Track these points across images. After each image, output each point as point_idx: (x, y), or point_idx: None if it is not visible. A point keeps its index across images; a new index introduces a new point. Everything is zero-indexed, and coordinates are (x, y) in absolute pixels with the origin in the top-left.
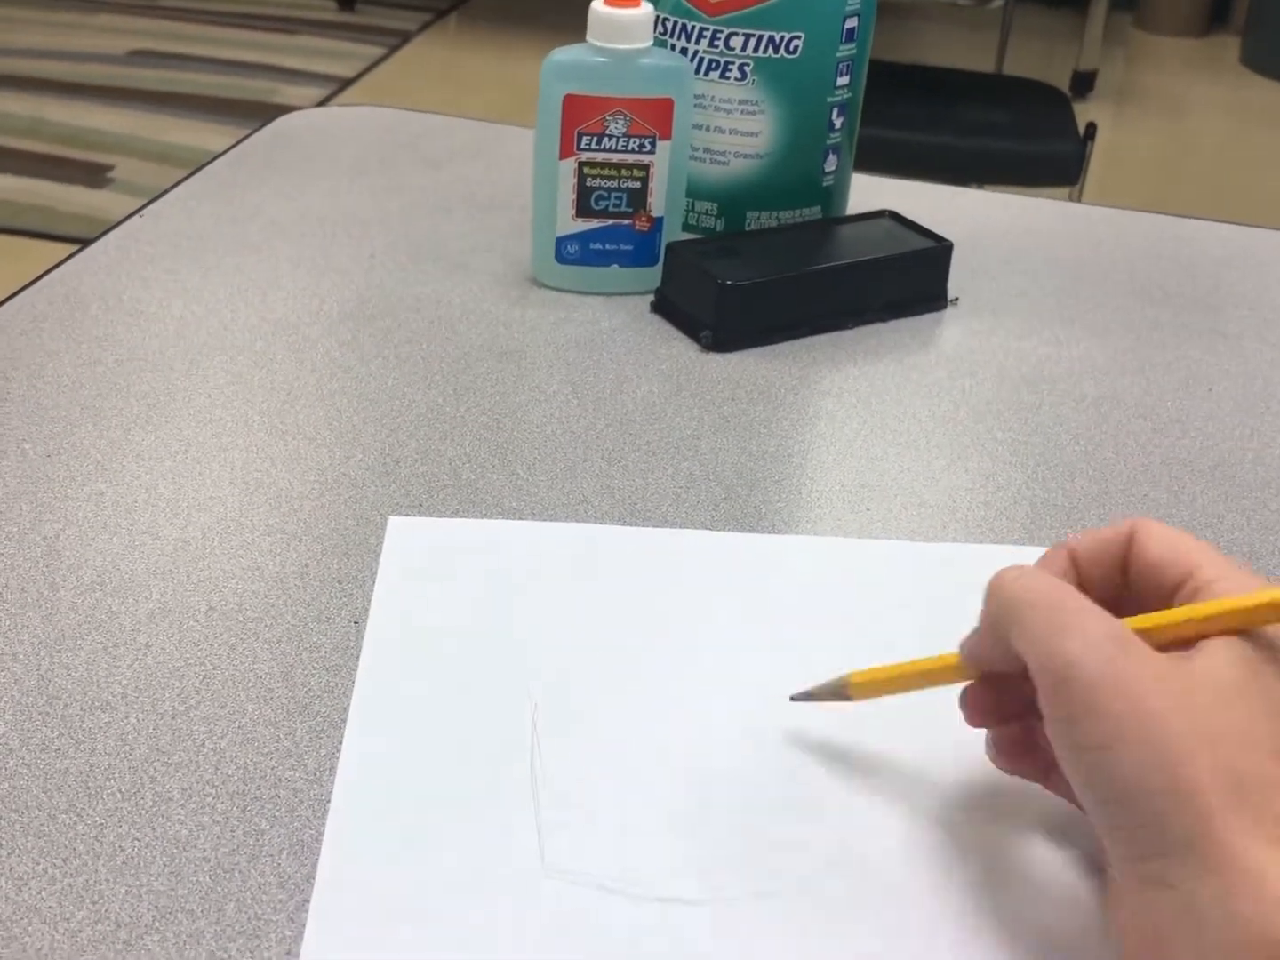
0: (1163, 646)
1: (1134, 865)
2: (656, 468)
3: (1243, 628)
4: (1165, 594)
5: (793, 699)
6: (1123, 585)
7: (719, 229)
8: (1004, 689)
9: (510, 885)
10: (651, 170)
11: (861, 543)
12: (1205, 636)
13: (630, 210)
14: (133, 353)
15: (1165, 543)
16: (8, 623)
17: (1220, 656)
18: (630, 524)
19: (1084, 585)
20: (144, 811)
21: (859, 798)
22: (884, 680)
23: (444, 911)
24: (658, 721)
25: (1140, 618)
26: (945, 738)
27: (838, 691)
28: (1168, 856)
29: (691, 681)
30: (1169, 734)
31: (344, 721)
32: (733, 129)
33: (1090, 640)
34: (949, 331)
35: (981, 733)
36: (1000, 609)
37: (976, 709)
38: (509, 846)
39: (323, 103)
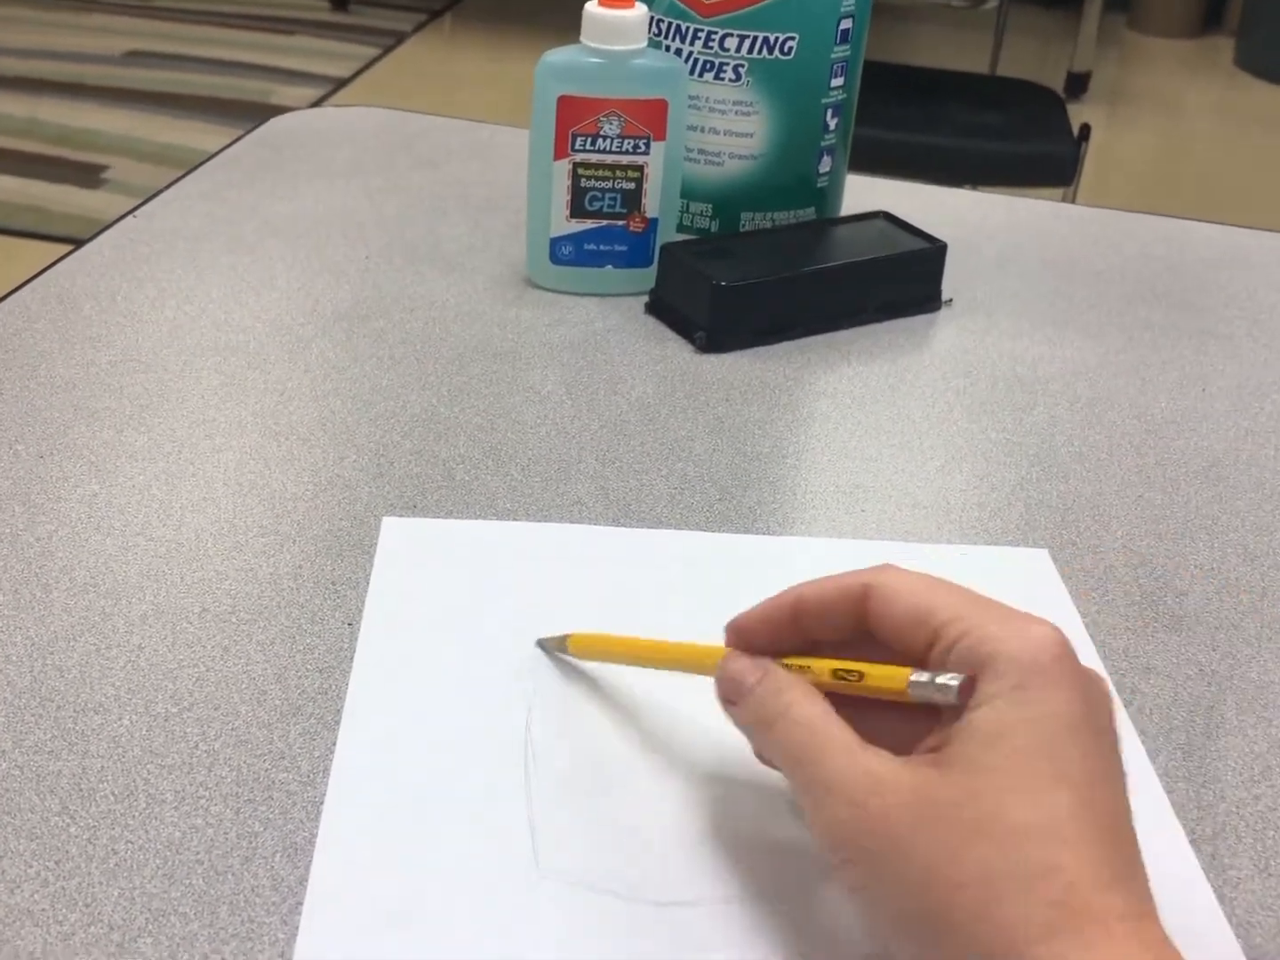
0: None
1: None
2: (651, 469)
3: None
4: (918, 652)
5: (538, 644)
6: (859, 634)
7: (713, 230)
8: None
9: (504, 887)
10: (646, 171)
11: (856, 543)
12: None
13: (624, 211)
14: (126, 353)
15: (907, 601)
16: (0, 624)
17: (957, 760)
18: (624, 525)
19: (810, 633)
20: (137, 814)
21: None
22: (603, 644)
23: (437, 913)
24: (653, 723)
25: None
26: None
27: (560, 645)
28: None
29: (686, 683)
30: (917, 859)
31: (337, 723)
32: (727, 130)
33: (835, 789)
34: (943, 332)
35: None
36: (759, 726)
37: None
38: (503, 848)
39: (317, 103)
